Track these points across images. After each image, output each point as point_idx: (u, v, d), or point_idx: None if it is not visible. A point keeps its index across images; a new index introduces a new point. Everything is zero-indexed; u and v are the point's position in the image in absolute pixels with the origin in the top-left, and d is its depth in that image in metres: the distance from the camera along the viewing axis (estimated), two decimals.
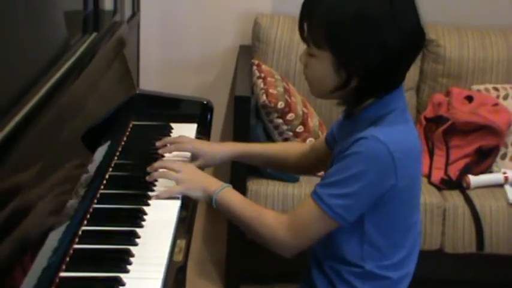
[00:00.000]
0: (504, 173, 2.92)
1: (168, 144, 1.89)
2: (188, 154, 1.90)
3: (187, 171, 1.72)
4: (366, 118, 1.51)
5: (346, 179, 1.47)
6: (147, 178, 1.72)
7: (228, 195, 1.64)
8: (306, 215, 1.53)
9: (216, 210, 1.66)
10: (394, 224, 1.55)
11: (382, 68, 1.46)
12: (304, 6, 1.50)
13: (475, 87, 3.19)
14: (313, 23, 1.48)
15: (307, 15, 1.49)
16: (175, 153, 1.89)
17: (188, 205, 1.70)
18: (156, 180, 1.74)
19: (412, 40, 1.48)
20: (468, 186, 2.87)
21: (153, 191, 1.71)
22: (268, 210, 1.64)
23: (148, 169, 1.74)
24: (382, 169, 1.46)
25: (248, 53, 3.28)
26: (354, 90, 1.49)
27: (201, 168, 1.82)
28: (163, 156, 1.89)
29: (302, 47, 1.56)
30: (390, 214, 1.53)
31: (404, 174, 1.48)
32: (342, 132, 1.61)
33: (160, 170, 1.73)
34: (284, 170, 2.15)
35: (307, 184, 2.78)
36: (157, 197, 1.68)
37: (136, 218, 1.57)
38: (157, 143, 1.90)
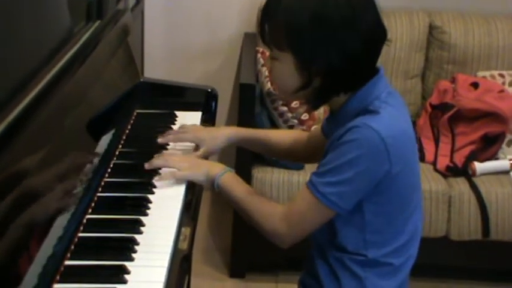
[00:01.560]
0: (510, 159, 2.91)
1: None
2: (191, 145, 1.89)
3: (189, 159, 1.75)
4: (351, 110, 1.51)
5: (340, 166, 1.47)
6: (146, 166, 1.70)
7: (230, 180, 1.65)
8: (301, 205, 1.54)
9: (218, 194, 1.66)
10: (394, 211, 1.55)
11: (343, 68, 1.46)
12: (263, 10, 1.51)
13: (480, 73, 3.17)
14: (273, 25, 1.49)
15: (266, 18, 1.50)
16: (179, 145, 1.90)
17: (193, 193, 1.70)
18: (159, 169, 1.73)
19: (372, 40, 1.48)
20: (474, 173, 2.86)
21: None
22: (267, 200, 1.64)
23: (146, 165, 1.71)
24: (375, 155, 1.46)
25: (253, 41, 3.27)
26: (317, 90, 1.50)
27: (206, 157, 1.82)
28: (167, 147, 1.89)
29: None
30: (389, 202, 1.53)
31: (398, 159, 1.47)
32: (331, 126, 1.61)
33: (162, 158, 1.73)
34: (281, 157, 2.14)
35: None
36: (161, 178, 1.68)
37: (141, 206, 1.57)
38: (159, 139, 1.88)
